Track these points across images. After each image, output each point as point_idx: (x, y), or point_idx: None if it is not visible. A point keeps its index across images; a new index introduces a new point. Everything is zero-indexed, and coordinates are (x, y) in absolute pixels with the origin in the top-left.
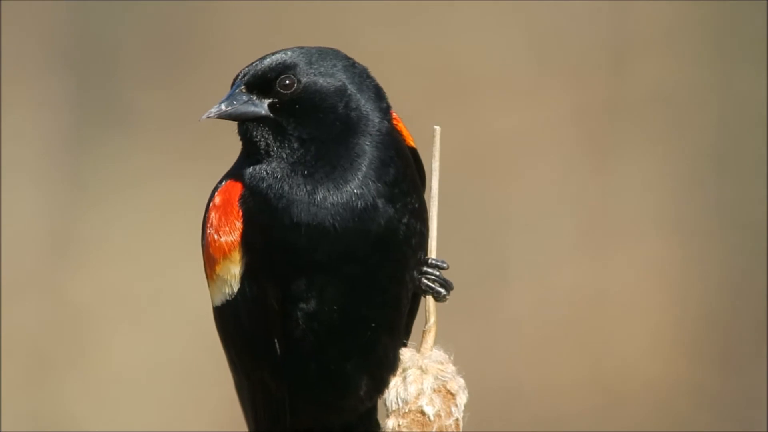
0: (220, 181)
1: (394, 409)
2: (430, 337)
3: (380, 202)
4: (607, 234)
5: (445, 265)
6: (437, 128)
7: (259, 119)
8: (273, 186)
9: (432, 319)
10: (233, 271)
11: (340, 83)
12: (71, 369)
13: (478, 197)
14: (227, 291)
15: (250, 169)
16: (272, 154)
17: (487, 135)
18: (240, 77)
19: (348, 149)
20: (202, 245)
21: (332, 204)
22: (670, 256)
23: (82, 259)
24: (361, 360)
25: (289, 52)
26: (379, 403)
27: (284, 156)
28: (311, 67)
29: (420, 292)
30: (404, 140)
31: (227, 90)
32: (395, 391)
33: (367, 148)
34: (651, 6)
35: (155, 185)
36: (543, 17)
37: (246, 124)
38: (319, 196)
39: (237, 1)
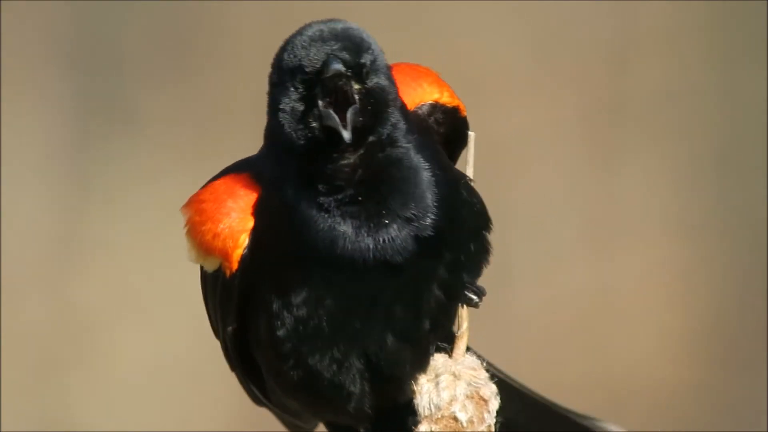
0: (246, 164)
1: (426, 414)
2: (462, 343)
3: (411, 242)
4: (613, 234)
5: (483, 291)
6: (472, 134)
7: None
8: (313, 207)
9: (465, 325)
10: (209, 266)
11: (391, 78)
12: (76, 369)
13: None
14: (202, 270)
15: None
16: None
17: (490, 135)
18: (325, 66)
19: (397, 169)
20: (191, 208)
21: (364, 235)
22: (675, 256)
23: (87, 258)
24: (359, 367)
25: (345, 23)
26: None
27: (348, 165)
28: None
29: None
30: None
31: (232, 90)
32: (428, 396)
33: (408, 174)
34: (655, 6)
35: (161, 184)
36: (547, 17)
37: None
38: (365, 231)
39: (243, 0)
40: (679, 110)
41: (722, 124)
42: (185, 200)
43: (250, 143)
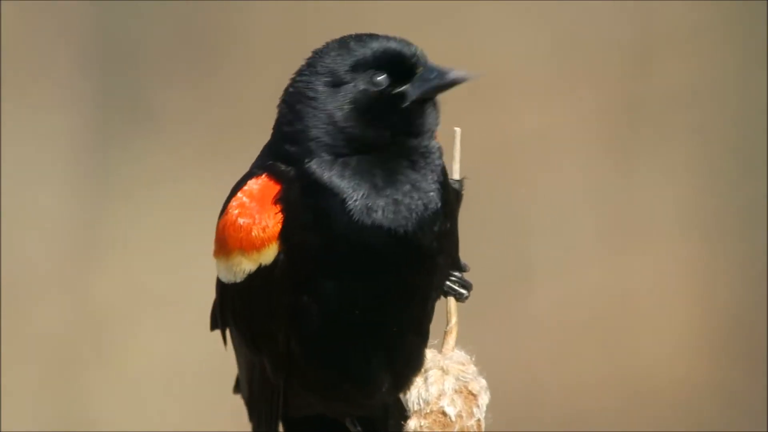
0: (259, 169)
1: (415, 409)
2: (451, 338)
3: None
4: (631, 234)
5: (466, 267)
6: (458, 130)
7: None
8: (352, 188)
9: (453, 320)
10: (244, 266)
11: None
12: (94, 367)
13: (500, 197)
14: (230, 279)
15: (322, 165)
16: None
17: (508, 135)
18: (418, 60)
19: (417, 157)
20: (220, 222)
21: (385, 210)
22: (694, 256)
23: (106, 256)
24: (384, 359)
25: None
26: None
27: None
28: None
29: (442, 293)
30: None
31: (250, 89)
32: (416, 391)
33: (436, 159)
34: (674, 6)
35: (180, 183)
36: (565, 17)
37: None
38: (383, 201)
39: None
40: (697, 110)
41: (740, 124)
42: (205, 199)
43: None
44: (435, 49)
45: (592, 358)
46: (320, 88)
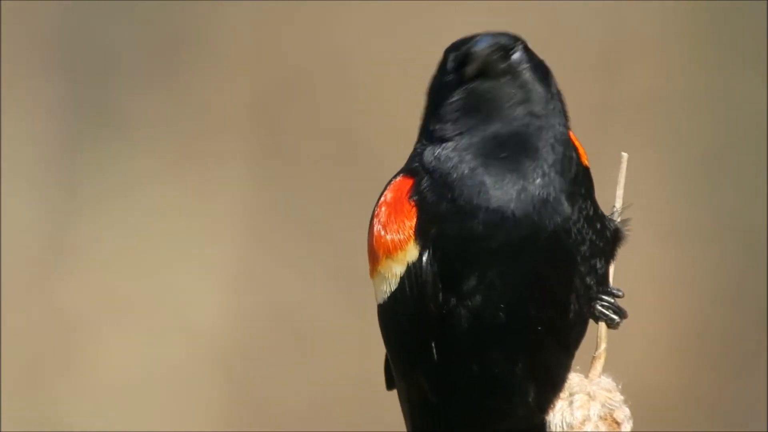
0: (394, 176)
1: None
2: (599, 364)
3: (562, 197)
4: None
5: (620, 294)
6: (625, 155)
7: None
8: (456, 166)
9: (603, 346)
10: (395, 270)
11: (545, 77)
12: (64, 375)
13: None
14: (386, 289)
15: (430, 151)
16: (500, 111)
17: None
18: (490, 54)
19: (534, 141)
20: (368, 239)
21: (515, 191)
22: (663, 262)
23: (76, 263)
24: (527, 364)
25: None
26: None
27: (500, 121)
28: (526, 52)
29: (593, 318)
30: (579, 156)
31: (221, 95)
32: (561, 414)
33: (554, 142)
34: (643, 10)
35: (149, 189)
36: (534, 22)
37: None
38: (503, 181)
39: (232, 2)
40: (667, 114)
41: (710, 128)
42: (175, 206)
43: (237, 149)
44: (406, 56)
45: None
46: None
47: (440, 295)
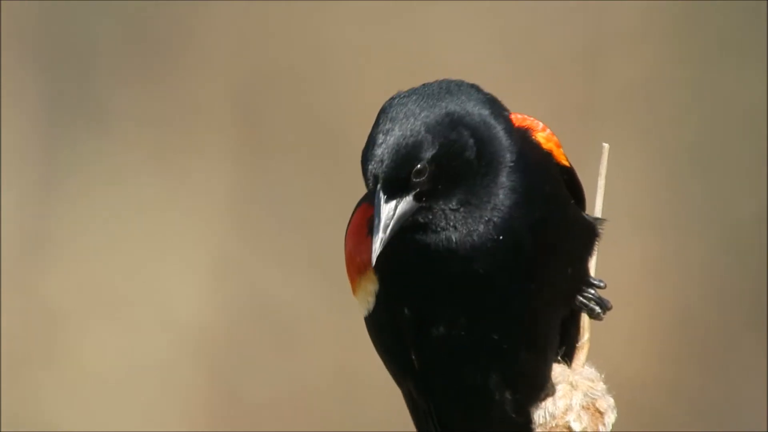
0: (364, 197)
1: (541, 422)
2: (582, 354)
3: (524, 239)
4: None
5: (602, 285)
6: (606, 146)
7: (412, 215)
8: (417, 235)
9: (585, 336)
10: (370, 288)
11: (465, 138)
12: (44, 369)
13: None
14: (365, 306)
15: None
16: (429, 227)
17: None
18: (372, 182)
19: (488, 190)
20: (345, 256)
21: (474, 246)
22: (645, 255)
23: (57, 258)
24: (501, 375)
25: (401, 131)
26: None
27: (440, 224)
28: (435, 136)
29: (575, 308)
30: (551, 159)
31: (202, 89)
32: (543, 404)
33: (506, 182)
34: (624, 6)
35: (129, 184)
36: (517, 18)
37: None
38: (462, 239)
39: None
40: (649, 108)
41: (692, 120)
42: (156, 200)
43: (218, 143)
44: (388, 51)
45: None
46: None
47: (407, 314)
